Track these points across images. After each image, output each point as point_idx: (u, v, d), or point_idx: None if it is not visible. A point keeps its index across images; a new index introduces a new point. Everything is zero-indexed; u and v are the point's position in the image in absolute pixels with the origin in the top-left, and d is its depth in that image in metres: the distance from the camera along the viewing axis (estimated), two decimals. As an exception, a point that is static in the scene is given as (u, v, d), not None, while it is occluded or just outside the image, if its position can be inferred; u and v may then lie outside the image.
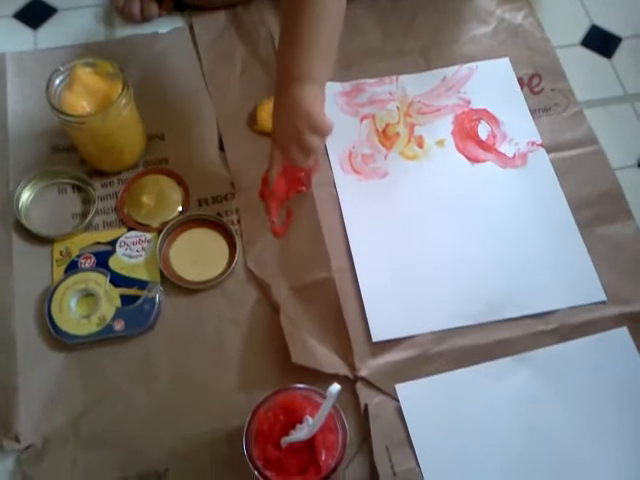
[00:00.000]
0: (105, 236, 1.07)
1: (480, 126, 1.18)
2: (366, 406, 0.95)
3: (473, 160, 1.15)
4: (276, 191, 1.08)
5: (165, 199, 1.10)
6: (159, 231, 1.07)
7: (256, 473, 0.81)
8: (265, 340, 1.01)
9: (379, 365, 0.98)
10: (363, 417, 0.95)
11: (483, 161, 1.15)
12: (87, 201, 1.10)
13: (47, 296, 1.01)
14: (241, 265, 1.06)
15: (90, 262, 1.05)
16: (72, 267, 1.04)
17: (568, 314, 1.03)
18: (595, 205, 1.12)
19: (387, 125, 1.18)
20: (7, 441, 0.93)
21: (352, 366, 0.98)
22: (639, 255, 1.07)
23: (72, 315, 1.00)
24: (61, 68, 1.04)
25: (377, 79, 1.23)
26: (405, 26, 1.28)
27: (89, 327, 1.00)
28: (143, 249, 1.06)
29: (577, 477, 0.93)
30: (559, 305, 1.03)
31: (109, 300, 1.01)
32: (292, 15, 1.00)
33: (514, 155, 1.15)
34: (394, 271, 1.05)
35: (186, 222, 1.08)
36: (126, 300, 1.02)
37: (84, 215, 1.09)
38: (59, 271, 1.04)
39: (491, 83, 1.23)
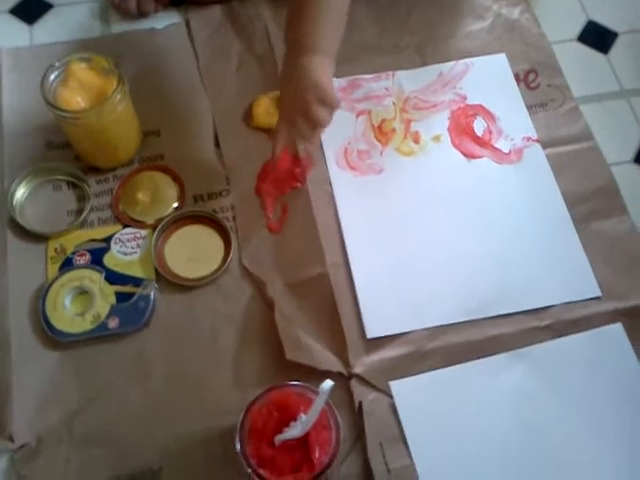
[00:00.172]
0: (100, 233, 1.07)
1: (476, 122, 1.18)
2: (360, 403, 0.95)
3: (469, 156, 1.15)
4: (279, 166, 1.08)
5: (160, 195, 1.10)
6: (154, 228, 1.07)
7: (250, 471, 0.80)
8: (260, 337, 1.01)
9: (373, 362, 0.98)
10: (357, 414, 0.95)
11: (479, 157, 1.15)
12: (82, 198, 1.10)
13: (41, 294, 1.01)
14: (236, 262, 1.06)
15: (85, 259, 1.05)
16: (67, 264, 1.04)
17: (563, 310, 1.02)
18: (590, 201, 1.11)
19: (383, 121, 1.18)
20: (1, 440, 0.93)
21: (346, 363, 0.98)
22: (634, 251, 1.07)
23: (66, 313, 1.00)
24: (56, 63, 1.04)
25: (373, 75, 1.22)
26: (401, 22, 1.28)
27: (83, 325, 0.99)
28: (138, 246, 1.06)
29: (572, 472, 0.93)
30: (554, 301, 1.03)
31: (104, 297, 1.01)
32: None
33: (510, 151, 1.15)
34: (389, 267, 1.05)
35: (181, 219, 1.08)
36: (121, 297, 1.02)
37: (79, 212, 1.09)
38: (54, 268, 1.04)
39: (487, 79, 1.23)
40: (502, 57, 1.25)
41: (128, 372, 0.98)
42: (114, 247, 1.06)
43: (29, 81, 1.14)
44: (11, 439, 0.93)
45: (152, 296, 1.01)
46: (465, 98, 1.20)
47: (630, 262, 1.06)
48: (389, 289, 1.04)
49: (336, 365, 0.97)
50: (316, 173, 1.12)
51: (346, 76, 1.21)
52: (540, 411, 0.96)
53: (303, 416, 0.81)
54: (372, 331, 1.00)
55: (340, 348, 0.99)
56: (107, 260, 1.05)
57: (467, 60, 1.24)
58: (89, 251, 1.05)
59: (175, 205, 1.09)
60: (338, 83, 1.20)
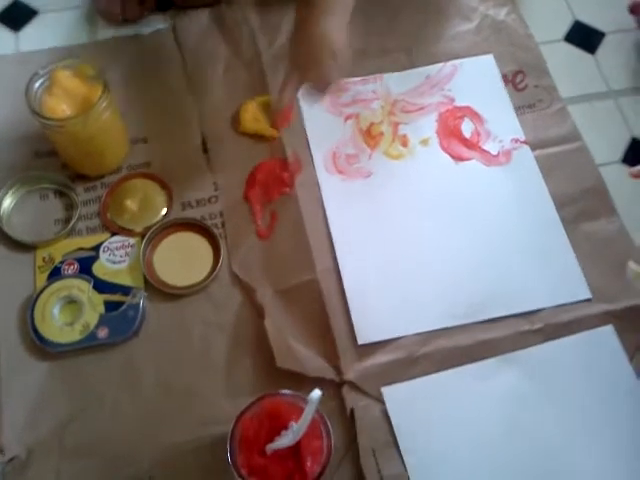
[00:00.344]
0: (88, 241, 1.07)
1: (464, 124, 1.18)
2: (352, 409, 0.95)
3: (457, 158, 1.15)
4: (286, 114, 1.11)
5: (149, 203, 1.10)
6: (142, 236, 1.06)
7: (241, 481, 0.80)
8: (250, 344, 1.00)
9: (365, 368, 0.98)
10: (349, 421, 0.95)
11: (467, 159, 1.15)
12: (70, 206, 1.09)
13: (30, 303, 1.00)
14: (226, 269, 1.05)
15: (73, 268, 1.04)
16: (55, 274, 1.04)
17: (553, 313, 1.02)
18: (579, 202, 1.11)
19: (371, 124, 1.17)
20: (-10, 454, 0.93)
21: (338, 369, 0.97)
22: (623, 252, 1.07)
23: (55, 323, 0.99)
24: (40, 71, 1.03)
25: (360, 78, 1.22)
26: (388, 24, 1.27)
27: (72, 335, 0.99)
28: (127, 254, 1.05)
29: (566, 476, 0.93)
30: (544, 304, 1.03)
31: (93, 307, 1.01)
32: None
33: (498, 153, 1.15)
34: (379, 272, 1.05)
35: (170, 226, 1.08)
36: (110, 306, 1.01)
37: (67, 221, 1.08)
38: (42, 278, 1.03)
39: (475, 80, 1.23)
40: (490, 58, 1.25)
41: (118, 382, 0.98)
42: (103, 256, 1.05)
43: (16, 89, 1.12)
44: (1, 452, 0.92)
45: (141, 305, 1.01)
46: (453, 100, 1.20)
47: (619, 263, 1.05)
48: (379, 294, 1.03)
49: (327, 372, 0.97)
50: (305, 178, 1.12)
51: (333, 80, 1.21)
52: (532, 415, 0.96)
53: (294, 425, 0.81)
54: (363, 337, 1.00)
55: (331, 355, 0.98)
56: (96, 269, 1.04)
57: (455, 62, 1.24)
58: (77, 260, 1.05)
59: (163, 212, 1.09)
60: (326, 87, 1.20)
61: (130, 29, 1.27)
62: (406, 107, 1.19)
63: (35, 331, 0.99)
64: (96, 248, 1.06)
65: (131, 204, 1.09)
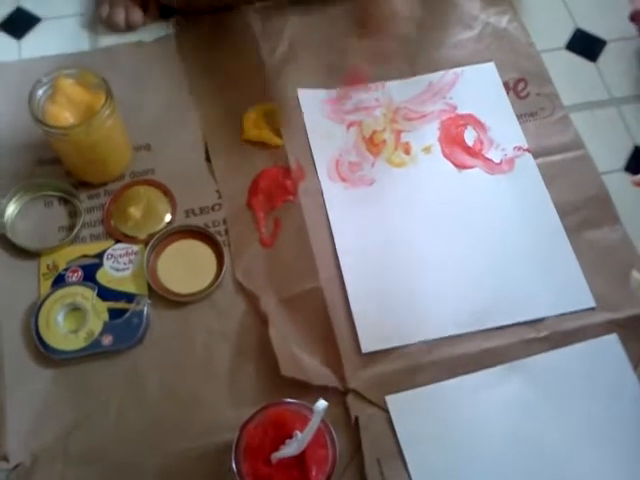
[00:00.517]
0: (92, 249, 1.06)
1: (466, 132, 1.18)
2: (357, 418, 0.95)
3: (460, 166, 1.15)
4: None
5: (152, 210, 1.09)
6: (146, 243, 1.06)
7: (246, 489, 0.80)
8: (254, 352, 1.00)
9: (369, 376, 0.98)
10: (354, 429, 0.94)
11: (470, 167, 1.15)
12: (74, 214, 1.09)
13: (34, 311, 1.00)
14: (229, 276, 1.05)
15: (77, 275, 1.04)
16: (59, 281, 1.03)
17: (558, 321, 1.02)
18: (582, 210, 1.11)
19: (374, 132, 1.17)
20: (-5, 460, 0.93)
21: (342, 378, 0.97)
22: (627, 260, 1.07)
23: (59, 330, 0.99)
24: (43, 79, 1.03)
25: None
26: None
27: (77, 342, 0.99)
28: (130, 261, 1.05)
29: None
30: (548, 312, 1.03)
31: (97, 314, 1.00)
32: None
33: (501, 161, 1.15)
34: (383, 281, 1.05)
35: (173, 234, 1.08)
36: (114, 314, 1.01)
37: (71, 228, 1.08)
38: (46, 285, 1.03)
39: (477, 88, 1.23)
40: (491, 66, 1.25)
41: (122, 389, 0.98)
42: (106, 263, 1.05)
43: (18, 97, 1.11)
44: (6, 459, 0.92)
45: (145, 312, 1.01)
46: (455, 108, 1.20)
47: (623, 272, 1.06)
48: (383, 302, 1.03)
49: (331, 380, 0.97)
50: (307, 185, 1.12)
51: (336, 87, 1.21)
52: (537, 423, 0.96)
53: (299, 433, 0.80)
54: (367, 345, 0.99)
55: (335, 363, 0.98)
56: (100, 276, 1.04)
57: (456, 69, 1.24)
58: (81, 267, 1.05)
59: (167, 220, 1.09)
60: (328, 94, 1.20)
61: (133, 36, 1.27)
62: (408, 115, 1.20)
63: (39, 338, 0.98)
64: (100, 255, 1.06)
65: (135, 211, 1.09)
